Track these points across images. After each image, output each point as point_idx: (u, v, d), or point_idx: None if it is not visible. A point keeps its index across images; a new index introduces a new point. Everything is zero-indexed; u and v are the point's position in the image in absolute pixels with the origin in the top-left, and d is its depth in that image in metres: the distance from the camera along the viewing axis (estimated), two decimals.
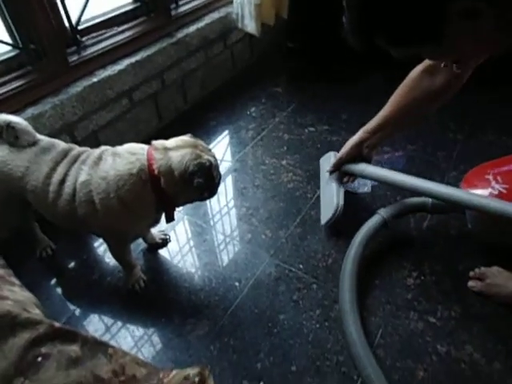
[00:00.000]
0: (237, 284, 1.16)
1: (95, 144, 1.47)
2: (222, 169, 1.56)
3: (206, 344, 1.02)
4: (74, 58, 1.37)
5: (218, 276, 1.19)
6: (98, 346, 0.48)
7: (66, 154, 1.02)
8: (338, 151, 1.38)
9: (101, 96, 1.43)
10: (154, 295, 1.15)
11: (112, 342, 1.03)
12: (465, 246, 1.21)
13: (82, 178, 0.96)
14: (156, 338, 1.05)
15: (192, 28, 1.74)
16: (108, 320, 1.10)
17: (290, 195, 1.43)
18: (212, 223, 1.36)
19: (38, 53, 1.27)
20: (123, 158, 0.96)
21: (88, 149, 1.05)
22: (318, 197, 1.41)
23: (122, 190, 0.93)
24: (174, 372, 0.49)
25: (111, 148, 1.02)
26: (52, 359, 0.44)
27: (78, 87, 1.35)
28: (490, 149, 1.54)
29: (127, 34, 1.54)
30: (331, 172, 1.30)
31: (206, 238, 1.30)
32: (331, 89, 1.98)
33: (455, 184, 1.24)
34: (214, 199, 1.42)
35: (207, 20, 1.81)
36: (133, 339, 1.05)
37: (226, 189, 1.49)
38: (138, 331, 1.06)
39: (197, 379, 0.46)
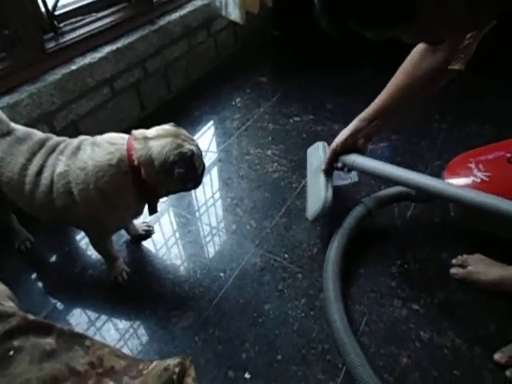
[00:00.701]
0: (222, 275, 1.15)
1: (75, 134, 1.41)
2: (207, 159, 1.54)
3: (190, 335, 1.01)
4: (52, 44, 1.33)
5: (202, 267, 1.17)
6: (74, 339, 0.47)
7: (42, 143, 0.98)
8: (323, 141, 1.38)
9: (80, 84, 1.39)
10: (137, 287, 1.13)
11: (96, 336, 1.01)
12: (448, 234, 1.23)
13: (60, 168, 0.93)
14: (140, 331, 1.04)
15: (174, 15, 1.70)
16: (91, 314, 1.08)
17: (275, 185, 1.43)
18: (197, 214, 1.34)
19: (13, 39, 1.22)
20: (102, 148, 0.93)
21: (66, 138, 1.02)
22: (303, 187, 1.41)
23: (101, 181, 0.91)
24: (155, 363, 0.47)
25: (90, 138, 0.99)
26: (25, 352, 0.42)
27: (56, 75, 1.31)
28: (473, 138, 1.55)
29: (107, 20, 1.50)
30: (326, 169, 1.18)
31: (190, 229, 1.29)
32: (316, 78, 1.97)
33: (438, 173, 1.25)
34: (198, 190, 1.41)
35: (190, 7, 1.77)
36: (117, 332, 1.03)
37: (212, 179, 1.47)
38: (122, 324, 1.05)
39: (177, 369, 0.45)
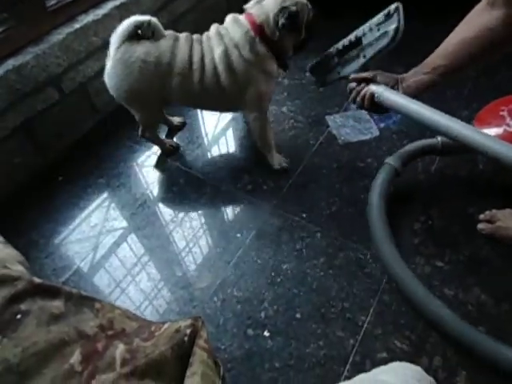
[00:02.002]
0: (239, 235, 1.13)
1: (85, 97, 1.40)
2: (221, 121, 1.49)
3: (209, 295, 1.01)
4: (53, 1, 1.26)
5: (219, 228, 1.16)
6: (83, 301, 0.45)
7: (191, 38, 1.14)
8: (341, 95, 1.30)
9: (86, 44, 1.33)
10: (153, 248, 1.13)
11: (120, 297, 1.03)
12: (475, 188, 1.16)
13: (218, 50, 1.10)
14: (161, 292, 1.04)
15: None
16: (112, 276, 1.09)
17: (292, 143, 1.37)
18: (212, 176, 1.31)
19: None
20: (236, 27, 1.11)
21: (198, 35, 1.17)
22: (321, 143, 1.35)
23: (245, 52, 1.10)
24: (166, 325, 0.46)
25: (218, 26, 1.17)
26: (32, 316, 0.41)
27: (59, 35, 1.26)
28: (503, 86, 1.43)
29: None
30: (353, 80, 1.02)
31: (205, 191, 1.26)
32: (331, 25, 1.83)
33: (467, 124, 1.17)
34: (214, 151, 1.38)
35: None
36: (138, 294, 1.04)
37: (226, 140, 1.43)
38: (143, 285, 1.06)
39: (188, 331, 0.43)
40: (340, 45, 1.07)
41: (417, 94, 0.96)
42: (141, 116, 1.24)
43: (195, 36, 1.16)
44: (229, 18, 1.16)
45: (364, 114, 1.41)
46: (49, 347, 0.38)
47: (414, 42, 1.25)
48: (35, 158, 1.32)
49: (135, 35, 1.10)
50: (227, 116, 1.50)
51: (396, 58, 1.26)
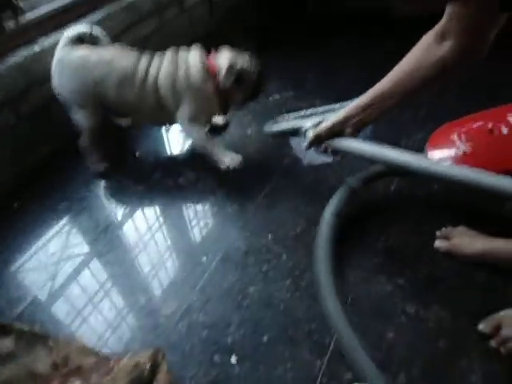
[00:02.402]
0: (204, 259, 1.12)
1: (47, 119, 1.37)
2: (187, 142, 1.49)
3: (174, 322, 0.99)
4: (11, 25, 1.24)
5: (184, 251, 1.15)
6: (36, 338, 0.43)
7: (142, 52, 1.23)
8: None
9: (46, 67, 1.31)
10: (116, 275, 1.10)
11: (80, 328, 0.99)
12: (432, 206, 1.22)
13: (168, 67, 1.19)
14: (122, 321, 1.01)
15: None
16: (72, 305, 1.04)
17: (258, 165, 1.39)
18: (177, 198, 1.30)
19: None
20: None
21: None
22: (287, 165, 1.38)
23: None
24: (126, 359, 0.45)
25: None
26: None
27: (17, 57, 1.23)
28: (457, 108, 1.53)
29: None
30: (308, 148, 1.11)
31: (170, 212, 1.25)
32: (294, 53, 1.91)
33: (422, 145, 1.23)
34: (175, 174, 1.37)
35: None
36: (99, 323, 1.00)
37: (200, 161, 1.43)
38: (103, 313, 1.02)
39: (148, 365, 0.42)
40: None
41: (361, 129, 1.03)
42: (79, 118, 1.26)
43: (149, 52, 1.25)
44: (195, 47, 1.25)
45: None
46: None
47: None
48: None
49: (78, 41, 1.20)
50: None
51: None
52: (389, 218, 1.20)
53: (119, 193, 1.32)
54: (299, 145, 1.44)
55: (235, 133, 1.52)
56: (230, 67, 1.17)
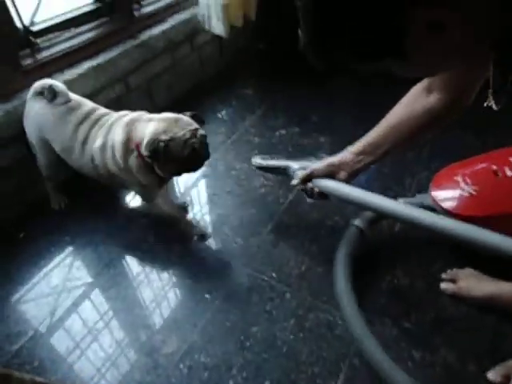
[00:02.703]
0: (207, 296, 1.11)
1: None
2: (192, 175, 1.51)
3: (175, 362, 0.97)
4: (28, 61, 1.29)
5: (187, 288, 1.13)
6: None
7: (87, 116, 1.18)
8: (309, 154, 1.36)
9: None
10: (117, 312, 1.08)
11: (75, 366, 0.97)
12: (438, 247, 1.21)
13: (97, 143, 1.14)
14: (121, 358, 0.99)
15: (156, 30, 1.68)
16: (72, 339, 1.02)
17: (262, 201, 1.40)
18: (179, 233, 1.30)
19: None
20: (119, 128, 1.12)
21: (110, 112, 1.21)
22: (291, 201, 1.38)
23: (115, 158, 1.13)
24: None
25: (126, 116, 1.16)
26: None
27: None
28: (462, 148, 1.55)
29: (87, 35, 1.46)
30: (297, 185, 1.11)
31: (174, 249, 1.25)
32: (301, 90, 1.96)
33: (426, 184, 1.24)
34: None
35: (172, 22, 1.75)
36: (97, 361, 0.98)
37: (198, 195, 1.44)
38: (102, 351, 1.00)
39: None
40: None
41: (356, 175, 1.04)
42: (39, 163, 1.28)
43: (98, 113, 1.20)
44: (123, 121, 1.14)
45: None
46: None
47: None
48: None
49: (40, 94, 1.19)
50: (198, 177, 1.53)
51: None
52: (394, 258, 1.19)
53: (123, 228, 1.32)
54: None
55: (241, 167, 1.53)
56: (150, 140, 1.04)
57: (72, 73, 1.37)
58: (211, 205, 1.39)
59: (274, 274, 1.16)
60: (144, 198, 1.25)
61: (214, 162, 1.57)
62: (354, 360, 0.96)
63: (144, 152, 1.06)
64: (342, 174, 1.02)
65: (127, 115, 1.16)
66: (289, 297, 1.10)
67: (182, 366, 0.96)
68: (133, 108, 1.63)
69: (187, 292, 1.12)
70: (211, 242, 1.26)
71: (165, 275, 1.18)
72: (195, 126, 1.10)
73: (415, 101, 0.92)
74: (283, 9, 1.92)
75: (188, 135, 1.06)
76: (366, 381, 0.92)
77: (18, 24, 1.26)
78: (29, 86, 1.21)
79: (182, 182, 1.49)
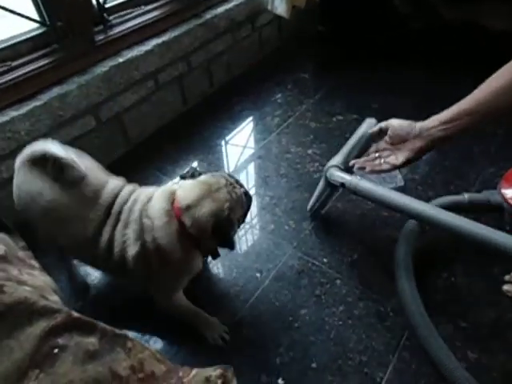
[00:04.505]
0: (258, 275, 1.13)
1: (119, 127, 1.46)
2: (245, 155, 1.52)
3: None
4: (101, 37, 1.35)
5: (238, 266, 1.16)
6: (116, 339, 0.46)
7: (109, 211, 0.92)
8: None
9: (126, 77, 1.40)
10: None
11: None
12: None
13: (132, 251, 0.89)
14: (173, 329, 1.02)
15: (220, 9, 1.69)
16: (122, 313, 1.08)
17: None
18: None
19: (65, 31, 1.25)
20: (160, 223, 0.89)
21: (124, 195, 0.95)
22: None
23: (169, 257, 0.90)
24: (194, 371, 0.46)
25: (144, 207, 0.92)
26: (69, 351, 0.42)
27: (103, 67, 1.33)
28: None
29: (154, 13, 1.50)
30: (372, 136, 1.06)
31: None
32: (361, 76, 1.90)
33: (491, 181, 1.17)
34: None
35: (235, 1, 1.74)
36: (150, 329, 1.03)
37: (248, 177, 1.45)
38: (154, 323, 1.03)
39: (219, 382, 0.43)
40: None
41: (430, 148, 0.94)
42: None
43: (116, 208, 0.92)
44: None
45: None
46: None
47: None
48: None
49: (40, 165, 0.90)
50: (251, 158, 1.54)
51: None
52: (452, 255, 1.14)
53: None
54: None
55: (296, 150, 1.52)
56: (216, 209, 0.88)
57: (140, 49, 1.42)
58: (264, 186, 1.40)
59: (325, 260, 1.15)
60: (163, 294, 0.99)
61: (269, 144, 1.57)
62: (403, 353, 0.94)
63: (218, 223, 0.88)
64: (417, 143, 0.93)
65: (149, 205, 0.92)
66: (339, 283, 1.09)
67: (230, 339, 0.99)
68: (191, 87, 1.68)
69: (238, 270, 1.15)
70: (263, 223, 1.27)
71: None
72: (227, 178, 0.95)
73: None
74: None
75: (228, 203, 0.90)
76: (416, 375, 0.90)
77: (94, 1, 1.31)
78: (101, 60, 1.27)
79: (233, 163, 1.50)
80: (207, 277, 1.13)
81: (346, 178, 1.09)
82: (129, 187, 0.98)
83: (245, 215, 0.99)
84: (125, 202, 0.93)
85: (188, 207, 0.88)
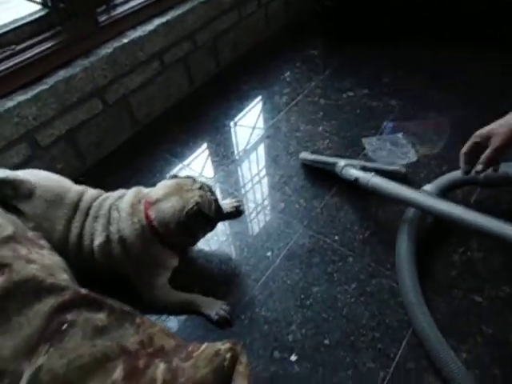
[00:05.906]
0: (269, 254, 1.12)
1: (127, 109, 1.45)
2: (254, 135, 1.50)
3: (236, 313, 1.00)
4: (104, 17, 1.32)
5: (249, 245, 1.15)
6: (125, 316, 0.46)
7: (76, 207, 0.99)
8: (378, 118, 1.29)
9: (131, 58, 1.38)
10: (183, 263, 1.13)
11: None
12: None
13: (98, 240, 0.96)
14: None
15: None
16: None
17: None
18: (243, 191, 1.32)
19: (68, 12, 1.23)
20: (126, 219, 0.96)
21: (92, 194, 1.03)
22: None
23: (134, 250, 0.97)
24: (204, 346, 0.46)
25: (115, 202, 1.00)
26: (78, 327, 0.42)
27: (108, 49, 1.31)
28: None
29: None
30: (483, 170, 0.95)
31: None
32: (371, 51, 1.84)
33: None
34: (245, 167, 1.39)
35: None
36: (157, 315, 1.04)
37: (258, 156, 1.43)
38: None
39: (228, 355, 0.43)
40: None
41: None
42: None
43: (86, 199, 1.00)
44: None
45: (401, 138, 1.39)
46: (93, 361, 0.39)
47: None
48: (75, 164, 1.37)
49: None
50: (260, 138, 1.51)
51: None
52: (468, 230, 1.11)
53: None
54: (371, 145, 1.40)
55: (305, 128, 1.50)
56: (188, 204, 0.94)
57: (144, 29, 1.40)
58: (274, 165, 1.38)
59: (336, 238, 1.14)
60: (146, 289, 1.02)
61: (278, 122, 1.54)
62: None
63: (182, 218, 0.93)
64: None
65: (119, 200, 1.00)
66: (351, 261, 1.08)
67: (243, 316, 1.00)
68: (197, 66, 1.66)
69: (249, 249, 1.14)
70: (273, 202, 1.26)
71: (226, 231, 1.21)
72: (195, 180, 1.02)
73: None
74: None
75: (200, 197, 0.96)
76: None
77: None
78: (105, 42, 1.25)
79: (242, 142, 1.48)
80: (218, 257, 1.13)
81: (359, 174, 1.14)
82: (95, 190, 1.06)
83: (212, 224, 1.04)
84: (93, 200, 1.01)
85: (156, 201, 0.96)
